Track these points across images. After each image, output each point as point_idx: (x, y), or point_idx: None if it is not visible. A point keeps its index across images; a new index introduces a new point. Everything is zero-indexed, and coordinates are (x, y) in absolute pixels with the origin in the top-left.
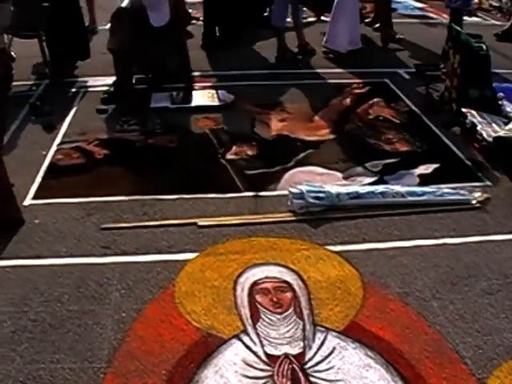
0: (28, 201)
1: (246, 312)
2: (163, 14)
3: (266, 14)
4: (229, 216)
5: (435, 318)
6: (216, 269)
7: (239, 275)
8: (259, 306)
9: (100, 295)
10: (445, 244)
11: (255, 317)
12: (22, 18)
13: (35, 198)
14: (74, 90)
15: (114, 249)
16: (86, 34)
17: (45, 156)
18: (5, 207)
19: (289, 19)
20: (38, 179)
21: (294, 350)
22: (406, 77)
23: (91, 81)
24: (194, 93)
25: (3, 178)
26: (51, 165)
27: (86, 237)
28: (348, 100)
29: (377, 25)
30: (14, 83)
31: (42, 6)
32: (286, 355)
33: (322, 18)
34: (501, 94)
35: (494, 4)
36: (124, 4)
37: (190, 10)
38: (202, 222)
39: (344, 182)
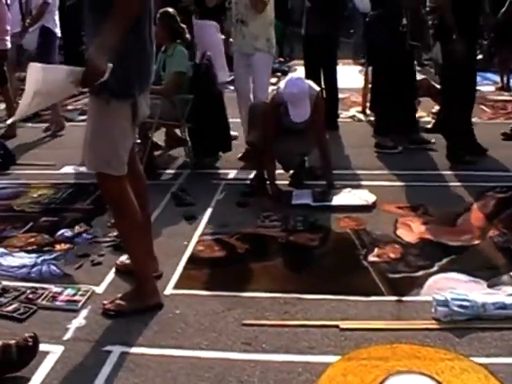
0: (169, 290)
1: None
2: (304, 110)
3: None
4: (371, 320)
5: None
6: (358, 374)
7: (382, 382)
8: None
9: None
10: None
11: None
12: (166, 107)
13: (176, 287)
14: (215, 181)
15: (254, 346)
16: (229, 126)
17: (186, 246)
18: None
19: None
20: (180, 269)
21: None
22: None
23: (232, 173)
24: (335, 191)
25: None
26: (192, 255)
27: (227, 331)
28: (491, 204)
29: None
30: (158, 171)
31: (186, 97)
32: None
33: None
34: None
35: None
36: (262, 97)
37: None
38: (344, 324)
39: (489, 290)
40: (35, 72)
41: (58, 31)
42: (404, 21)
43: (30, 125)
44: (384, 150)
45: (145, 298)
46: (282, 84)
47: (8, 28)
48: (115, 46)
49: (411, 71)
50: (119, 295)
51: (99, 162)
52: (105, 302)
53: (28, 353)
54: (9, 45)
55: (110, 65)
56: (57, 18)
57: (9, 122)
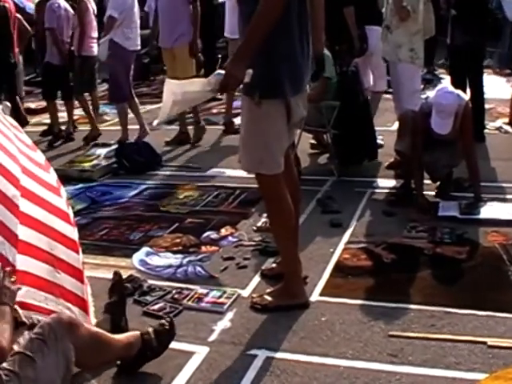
0: (315, 296)
1: None
2: (445, 124)
3: None
4: None
5: None
6: None
7: None
8: None
9: None
10: None
11: None
12: (312, 113)
13: (322, 294)
14: (360, 189)
15: (401, 358)
16: (375, 134)
17: (332, 253)
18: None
19: None
20: (326, 276)
21: None
22: None
23: (378, 181)
24: (482, 204)
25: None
26: (338, 263)
27: (373, 342)
28: None
29: None
30: (303, 177)
31: (332, 103)
32: None
33: None
34: None
35: None
36: (411, 107)
37: None
38: (492, 341)
39: None
40: (171, 86)
41: (129, 44)
42: None
43: (174, 127)
44: None
45: (291, 296)
46: (431, 93)
47: (94, 35)
48: (254, 53)
49: None
50: (268, 290)
51: (252, 163)
52: (253, 295)
53: (166, 336)
54: (95, 51)
55: (250, 70)
56: (130, 31)
57: (155, 123)
